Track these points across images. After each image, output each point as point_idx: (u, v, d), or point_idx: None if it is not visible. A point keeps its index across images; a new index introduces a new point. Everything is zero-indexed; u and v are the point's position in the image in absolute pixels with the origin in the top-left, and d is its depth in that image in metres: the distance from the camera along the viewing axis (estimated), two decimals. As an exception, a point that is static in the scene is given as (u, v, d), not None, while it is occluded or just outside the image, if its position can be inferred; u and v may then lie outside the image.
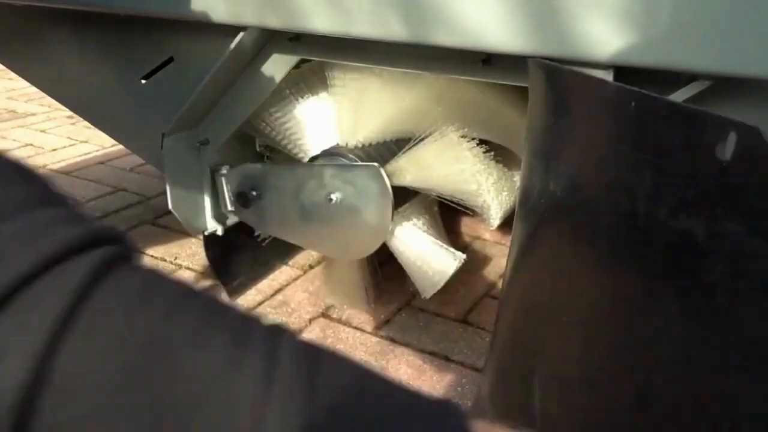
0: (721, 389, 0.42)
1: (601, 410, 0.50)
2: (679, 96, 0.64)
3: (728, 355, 0.41)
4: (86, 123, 1.49)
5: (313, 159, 0.98)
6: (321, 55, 0.90)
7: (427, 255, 0.98)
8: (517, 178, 1.09)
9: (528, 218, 0.62)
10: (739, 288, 0.39)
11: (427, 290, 0.98)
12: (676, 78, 0.64)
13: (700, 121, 0.39)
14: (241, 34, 0.89)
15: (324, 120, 1.00)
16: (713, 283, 0.39)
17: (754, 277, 0.38)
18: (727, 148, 0.37)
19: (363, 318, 1.06)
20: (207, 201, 1.05)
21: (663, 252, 0.42)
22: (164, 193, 1.01)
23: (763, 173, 0.36)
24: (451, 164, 0.94)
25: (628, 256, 0.46)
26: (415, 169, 0.94)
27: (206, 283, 1.15)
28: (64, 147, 1.93)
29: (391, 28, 0.75)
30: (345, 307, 1.09)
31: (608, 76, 0.66)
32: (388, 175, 0.90)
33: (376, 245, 0.96)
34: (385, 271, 1.13)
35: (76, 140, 1.99)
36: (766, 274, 0.37)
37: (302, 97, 1.02)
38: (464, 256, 0.98)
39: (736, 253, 0.38)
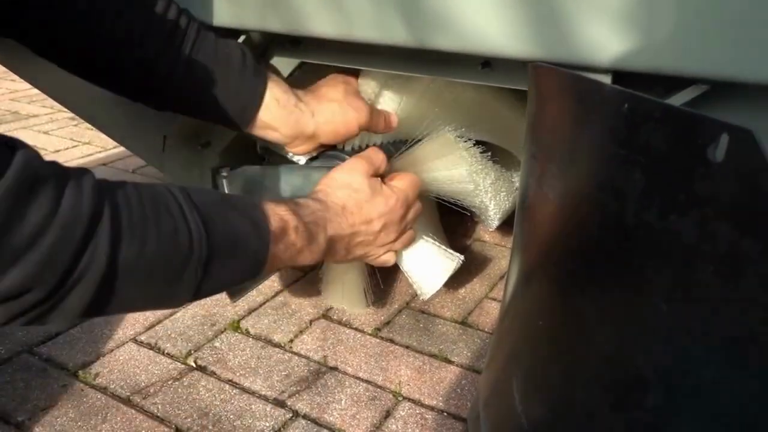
0: (711, 391, 0.42)
1: (587, 413, 0.50)
2: (676, 100, 0.64)
3: (719, 357, 0.41)
4: (88, 125, 1.50)
5: (311, 160, 0.98)
6: (322, 58, 0.91)
7: (425, 257, 0.98)
8: (516, 179, 1.09)
9: (524, 220, 0.62)
10: (729, 290, 0.39)
11: (427, 292, 0.98)
12: (675, 82, 0.64)
13: (692, 122, 0.40)
14: (243, 37, 0.89)
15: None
16: (703, 285, 0.40)
17: (745, 279, 0.38)
18: (719, 150, 0.38)
19: (363, 320, 1.06)
20: (208, 202, 1.06)
21: (652, 253, 0.43)
22: (165, 194, 1.01)
23: (755, 175, 0.37)
24: (449, 165, 0.94)
25: (617, 258, 0.46)
26: (412, 170, 0.94)
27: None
28: (67, 148, 1.93)
29: (392, 32, 0.76)
30: (345, 308, 1.09)
31: (607, 80, 0.66)
32: (386, 177, 0.91)
33: (376, 247, 0.96)
34: (384, 272, 1.14)
35: (79, 141, 2.00)
36: (757, 276, 0.37)
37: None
38: (463, 257, 0.98)
39: (727, 255, 0.38)
